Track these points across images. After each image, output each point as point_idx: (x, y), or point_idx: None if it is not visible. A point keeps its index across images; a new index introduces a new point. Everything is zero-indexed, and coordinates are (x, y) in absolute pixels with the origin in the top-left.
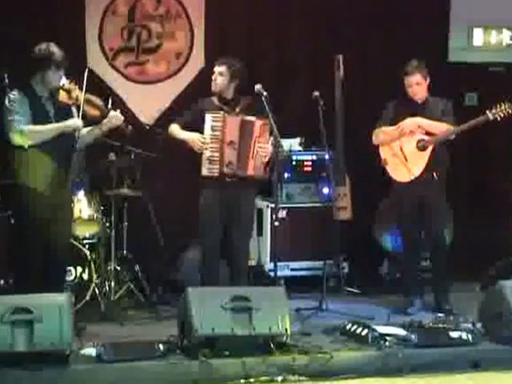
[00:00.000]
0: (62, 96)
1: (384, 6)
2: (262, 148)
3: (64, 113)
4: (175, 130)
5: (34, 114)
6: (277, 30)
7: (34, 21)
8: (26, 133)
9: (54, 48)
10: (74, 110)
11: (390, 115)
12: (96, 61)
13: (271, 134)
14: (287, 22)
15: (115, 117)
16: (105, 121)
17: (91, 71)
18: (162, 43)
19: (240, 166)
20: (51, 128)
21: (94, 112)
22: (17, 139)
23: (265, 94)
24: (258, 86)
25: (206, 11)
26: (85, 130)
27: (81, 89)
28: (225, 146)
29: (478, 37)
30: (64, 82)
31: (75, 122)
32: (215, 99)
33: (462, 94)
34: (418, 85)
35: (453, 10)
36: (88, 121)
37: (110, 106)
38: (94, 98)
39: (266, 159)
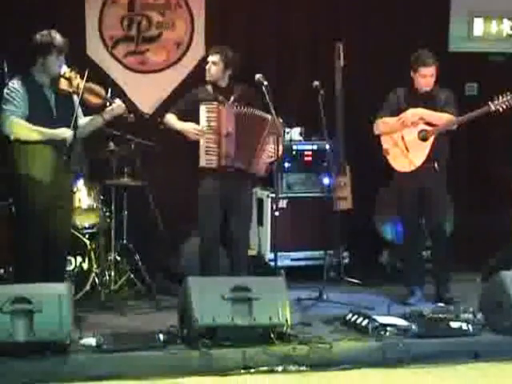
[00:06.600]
0: (63, 84)
1: None
2: (269, 149)
3: (64, 101)
4: (171, 119)
5: (35, 102)
6: (277, 18)
7: (33, 9)
8: (14, 125)
9: (55, 34)
10: (75, 98)
11: (394, 105)
12: (95, 50)
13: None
14: (287, 11)
15: (118, 106)
16: (108, 109)
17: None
18: (162, 32)
19: (239, 159)
20: (40, 131)
21: (95, 100)
22: (4, 129)
23: (265, 83)
24: (258, 76)
25: (206, 0)
26: (86, 119)
27: (82, 77)
28: (222, 138)
29: (479, 27)
30: (65, 69)
31: (64, 132)
32: (210, 88)
33: (462, 83)
34: (431, 76)
35: None
36: (89, 109)
37: (109, 94)
38: (95, 87)
39: (272, 159)
